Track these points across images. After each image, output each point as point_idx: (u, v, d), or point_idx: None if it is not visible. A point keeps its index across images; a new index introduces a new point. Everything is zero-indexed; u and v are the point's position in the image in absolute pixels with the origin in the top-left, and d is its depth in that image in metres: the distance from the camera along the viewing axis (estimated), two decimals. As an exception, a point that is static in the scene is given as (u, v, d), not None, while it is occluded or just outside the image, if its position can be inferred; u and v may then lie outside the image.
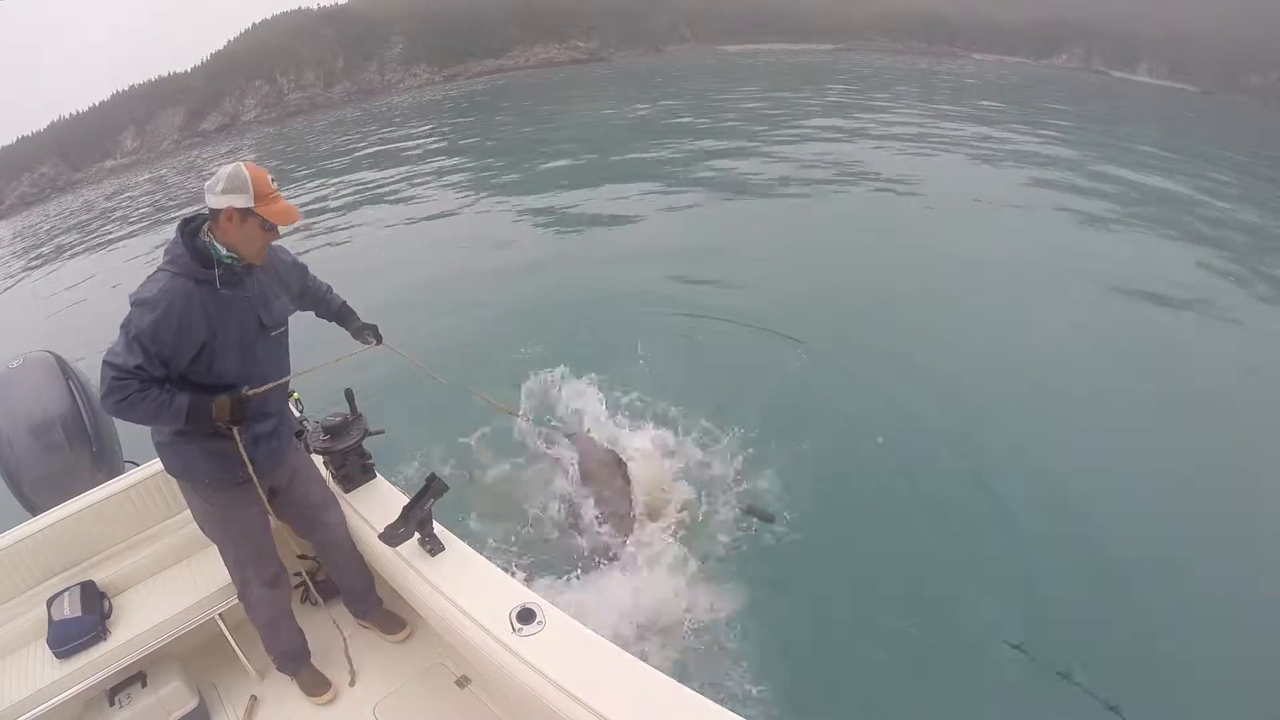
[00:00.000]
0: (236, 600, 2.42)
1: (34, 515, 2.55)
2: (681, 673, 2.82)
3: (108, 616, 2.36)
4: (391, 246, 10.77)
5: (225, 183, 1.92)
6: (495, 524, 3.82)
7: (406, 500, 2.25)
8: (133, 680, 2.36)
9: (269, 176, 1.99)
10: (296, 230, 10.32)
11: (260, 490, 2.18)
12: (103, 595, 2.42)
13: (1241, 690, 3.02)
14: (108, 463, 2.99)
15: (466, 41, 53.89)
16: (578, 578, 3.40)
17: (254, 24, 57.33)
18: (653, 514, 3.82)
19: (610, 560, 3.52)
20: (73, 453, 2.87)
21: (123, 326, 1.90)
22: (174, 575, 2.58)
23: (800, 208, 10.48)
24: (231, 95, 51.09)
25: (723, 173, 12.78)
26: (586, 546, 3.62)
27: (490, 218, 11.51)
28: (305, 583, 2.81)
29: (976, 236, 8.89)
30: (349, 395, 2.63)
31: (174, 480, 2.26)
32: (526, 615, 1.91)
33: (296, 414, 2.67)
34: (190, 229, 2.01)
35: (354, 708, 2.44)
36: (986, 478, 4.19)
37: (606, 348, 5.66)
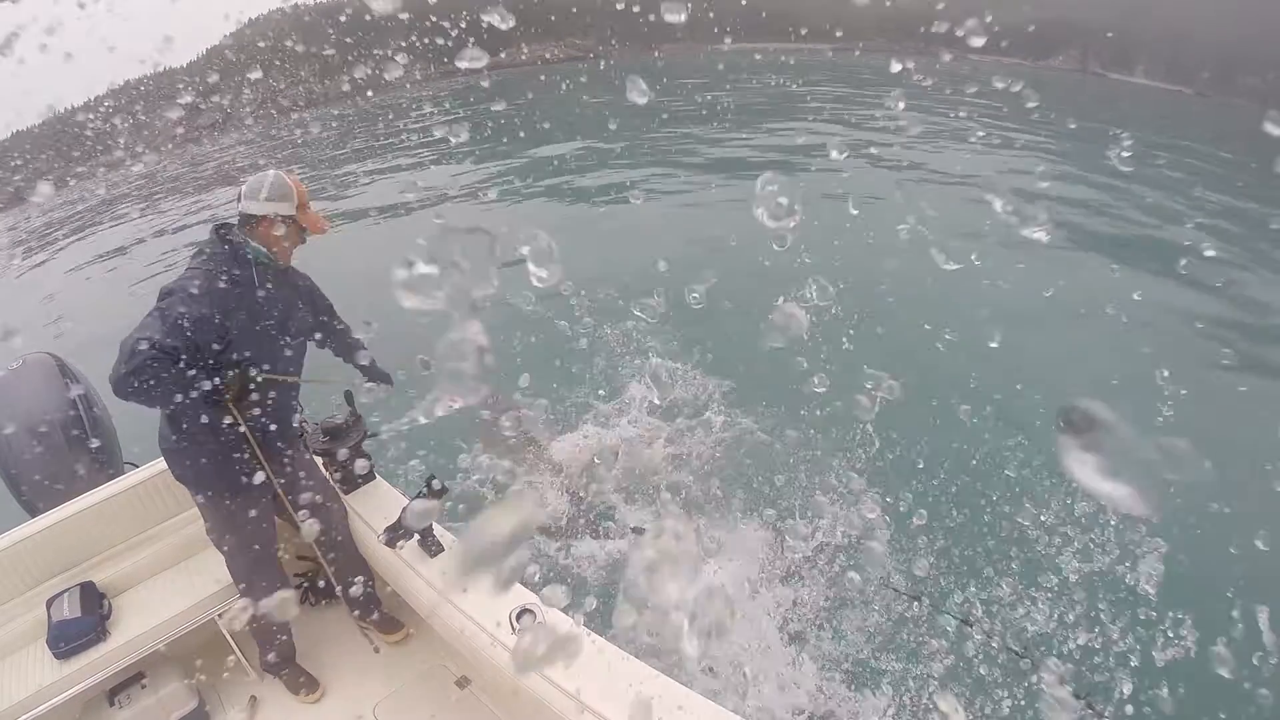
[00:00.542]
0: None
1: (34, 516, 2.56)
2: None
3: (107, 617, 2.37)
4: (387, 241, 10.71)
5: (269, 190, 2.09)
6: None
7: (406, 502, 2.26)
8: (132, 681, 2.37)
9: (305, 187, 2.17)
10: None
11: (266, 469, 2.18)
12: (102, 596, 2.43)
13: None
14: (107, 464, 2.98)
15: (463, 37, 53.77)
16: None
17: (250, 20, 57.27)
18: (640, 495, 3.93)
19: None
20: (72, 454, 2.86)
21: (158, 312, 1.93)
22: (173, 576, 2.59)
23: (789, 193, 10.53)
24: (226, 92, 50.92)
25: (716, 160, 12.82)
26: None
27: (490, 214, 11.45)
28: (305, 584, 2.81)
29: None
30: (349, 397, 2.64)
31: (173, 481, 2.28)
32: (526, 616, 1.93)
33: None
34: (222, 232, 2.13)
35: (354, 708, 2.45)
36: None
37: (599, 340, 5.71)
